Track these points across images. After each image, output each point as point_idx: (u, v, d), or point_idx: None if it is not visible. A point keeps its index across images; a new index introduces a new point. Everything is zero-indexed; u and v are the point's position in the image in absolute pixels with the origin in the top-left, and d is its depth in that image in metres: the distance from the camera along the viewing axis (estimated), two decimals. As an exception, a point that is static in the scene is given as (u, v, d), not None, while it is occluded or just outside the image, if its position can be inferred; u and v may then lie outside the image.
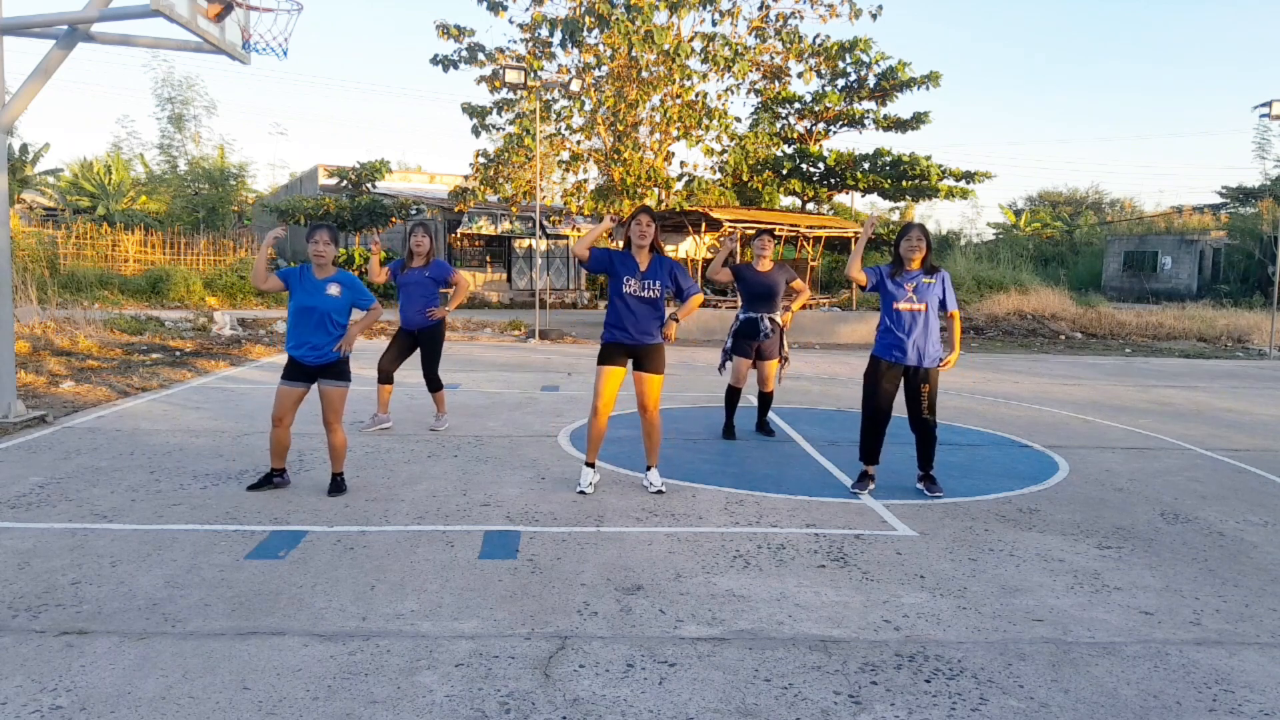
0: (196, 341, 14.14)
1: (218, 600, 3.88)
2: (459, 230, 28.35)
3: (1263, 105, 17.32)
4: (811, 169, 26.43)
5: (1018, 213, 48.31)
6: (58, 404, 8.36)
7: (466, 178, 23.15)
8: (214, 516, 5.06)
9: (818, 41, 23.58)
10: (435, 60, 21.25)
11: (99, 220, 28.63)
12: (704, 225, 21.30)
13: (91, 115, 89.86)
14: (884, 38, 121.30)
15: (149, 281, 22.51)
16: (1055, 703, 3.18)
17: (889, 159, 25.30)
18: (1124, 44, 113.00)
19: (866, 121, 26.86)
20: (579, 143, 21.69)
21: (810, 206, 27.39)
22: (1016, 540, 5.04)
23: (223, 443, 7.01)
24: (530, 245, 26.06)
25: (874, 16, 22.10)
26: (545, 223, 27.30)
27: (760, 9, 21.82)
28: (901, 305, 5.72)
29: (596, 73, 20.91)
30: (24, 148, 36.32)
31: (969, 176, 25.80)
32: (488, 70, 20.91)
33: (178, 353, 12.66)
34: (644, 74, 20.03)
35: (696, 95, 20.88)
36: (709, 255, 24.34)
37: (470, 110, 22.02)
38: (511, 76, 17.28)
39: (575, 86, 20.37)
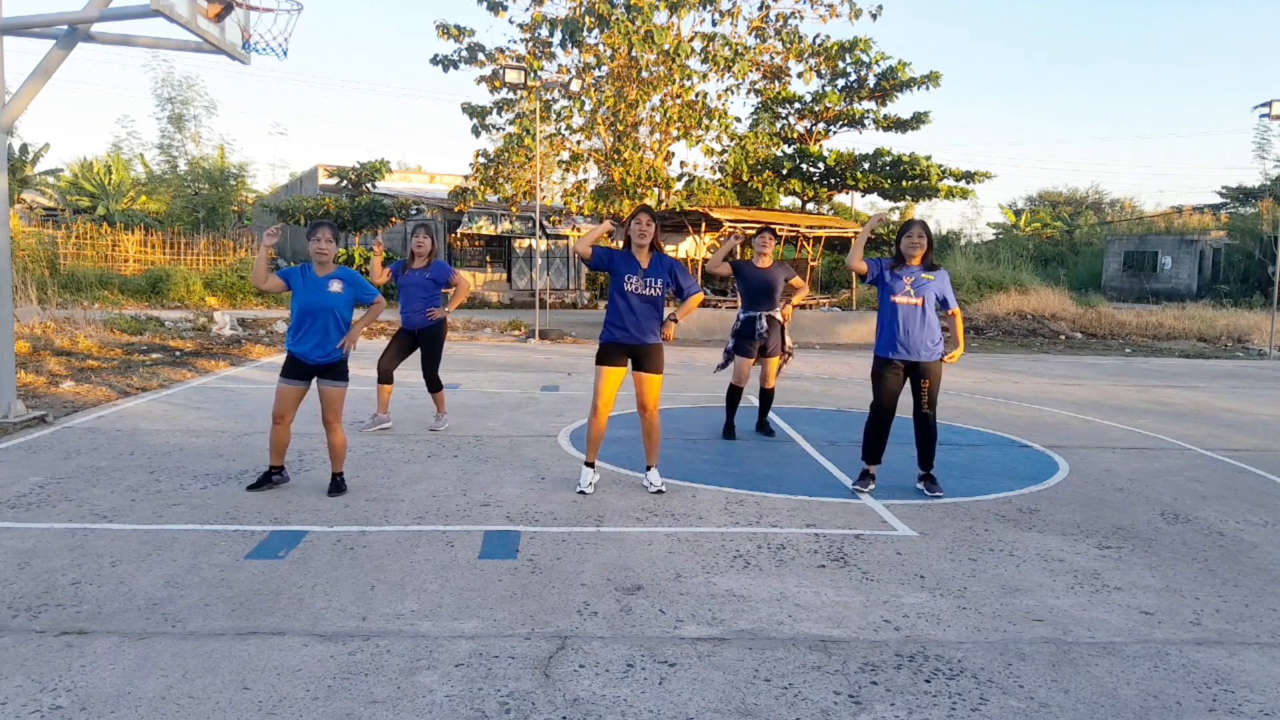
0: (196, 341, 14.14)
1: (218, 600, 3.88)
2: (459, 230, 28.36)
3: (1263, 105, 17.33)
4: (811, 169, 26.44)
5: (1018, 213, 48.32)
6: (58, 404, 8.36)
7: (466, 178, 23.14)
8: (214, 516, 5.06)
9: (818, 41, 23.58)
10: (435, 60, 21.25)
11: (99, 220, 28.64)
12: (704, 225, 21.30)
13: (91, 115, 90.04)
14: (884, 38, 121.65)
15: (149, 281, 22.52)
16: (1055, 703, 3.18)
17: (889, 159, 25.30)
18: (1124, 44, 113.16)
19: (866, 121, 26.86)
20: (579, 143, 21.69)
21: (810, 206, 27.40)
22: (1016, 540, 5.04)
23: (223, 443, 7.01)
24: (530, 245, 26.06)
25: (874, 16, 22.10)
26: (545, 223, 27.30)
27: (760, 9, 21.82)
28: (899, 299, 5.74)
29: (596, 73, 20.91)
30: (24, 148, 36.36)
31: (969, 176, 25.80)
32: (488, 70, 20.91)
33: (178, 353, 12.66)
34: (644, 74, 20.02)
35: (696, 95, 20.87)
36: (709, 255, 24.33)
37: (470, 110, 22.02)
38: (511, 76, 17.28)
39: (575, 86, 20.37)
